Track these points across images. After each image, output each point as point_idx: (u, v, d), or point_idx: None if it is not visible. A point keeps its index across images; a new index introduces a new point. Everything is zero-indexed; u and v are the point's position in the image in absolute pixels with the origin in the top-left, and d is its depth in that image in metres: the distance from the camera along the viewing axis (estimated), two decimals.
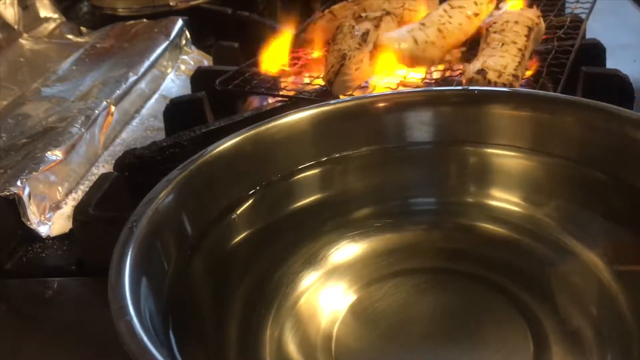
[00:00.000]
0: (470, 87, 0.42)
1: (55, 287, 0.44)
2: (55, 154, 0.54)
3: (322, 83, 0.58)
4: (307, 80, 0.62)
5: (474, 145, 0.41)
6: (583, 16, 0.66)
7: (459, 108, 0.41)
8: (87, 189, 0.51)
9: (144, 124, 0.66)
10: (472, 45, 0.62)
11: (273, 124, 0.39)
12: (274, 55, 0.63)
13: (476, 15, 0.62)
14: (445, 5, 0.63)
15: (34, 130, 0.60)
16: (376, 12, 0.62)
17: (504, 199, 0.40)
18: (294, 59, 0.64)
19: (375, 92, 0.55)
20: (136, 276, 0.28)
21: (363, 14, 0.62)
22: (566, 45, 0.60)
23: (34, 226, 0.49)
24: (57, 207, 0.52)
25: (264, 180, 0.39)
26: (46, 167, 0.52)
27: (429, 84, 0.58)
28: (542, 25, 0.60)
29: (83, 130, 0.58)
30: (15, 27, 0.86)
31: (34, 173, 0.51)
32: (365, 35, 0.57)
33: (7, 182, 0.50)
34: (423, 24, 0.59)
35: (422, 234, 0.41)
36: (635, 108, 0.53)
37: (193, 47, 0.81)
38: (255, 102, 0.64)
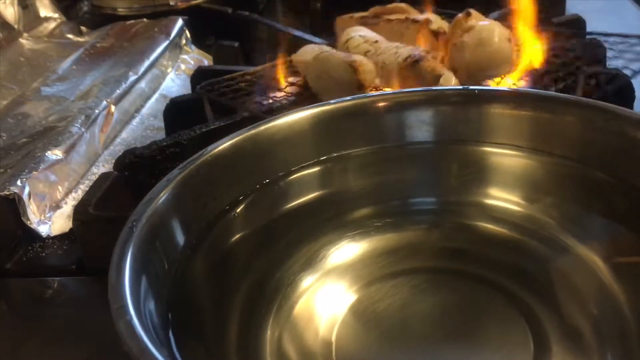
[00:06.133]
0: (471, 87, 0.42)
1: (55, 286, 0.44)
2: (55, 154, 0.54)
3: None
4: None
5: (474, 145, 0.41)
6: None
7: (459, 107, 0.41)
8: (87, 189, 0.51)
9: (144, 124, 0.66)
10: None
11: (272, 123, 0.39)
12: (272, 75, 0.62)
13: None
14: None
15: (34, 129, 0.60)
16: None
17: (504, 199, 0.40)
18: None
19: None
20: (136, 276, 0.28)
21: None
22: (567, 45, 0.60)
23: (34, 226, 0.49)
24: (57, 206, 0.52)
25: (264, 180, 0.39)
26: (46, 167, 0.53)
27: None
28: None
29: (83, 129, 0.58)
30: (16, 26, 0.86)
31: (34, 172, 0.51)
32: None
33: (7, 181, 0.50)
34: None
35: (422, 234, 0.41)
36: (635, 108, 0.53)
37: (193, 47, 0.81)
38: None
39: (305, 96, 0.59)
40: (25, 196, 0.49)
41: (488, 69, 0.54)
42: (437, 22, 0.60)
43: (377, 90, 0.55)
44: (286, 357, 0.34)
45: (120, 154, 0.52)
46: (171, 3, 0.88)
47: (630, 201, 0.36)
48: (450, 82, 0.52)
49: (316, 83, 0.57)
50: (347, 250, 0.40)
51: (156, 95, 0.71)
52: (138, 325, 0.25)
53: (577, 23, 0.68)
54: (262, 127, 0.39)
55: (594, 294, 0.35)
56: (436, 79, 0.52)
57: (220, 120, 0.56)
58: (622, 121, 0.36)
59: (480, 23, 0.54)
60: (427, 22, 0.59)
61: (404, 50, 0.54)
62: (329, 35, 0.71)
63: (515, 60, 0.55)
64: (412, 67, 0.52)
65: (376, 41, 0.58)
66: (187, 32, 0.81)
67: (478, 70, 0.54)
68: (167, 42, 0.77)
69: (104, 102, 0.63)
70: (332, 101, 0.41)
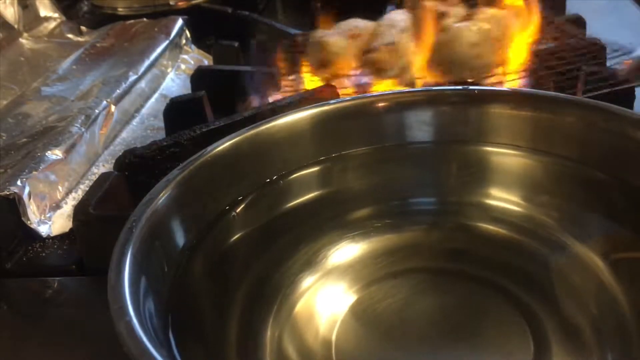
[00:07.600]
0: (470, 87, 0.42)
1: (55, 286, 0.44)
2: (55, 154, 0.54)
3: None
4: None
5: (474, 145, 0.41)
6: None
7: (459, 107, 0.41)
8: (87, 189, 0.51)
9: (144, 124, 0.66)
10: None
11: (273, 123, 0.39)
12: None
13: None
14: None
15: (34, 129, 0.60)
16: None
17: (504, 199, 0.40)
18: None
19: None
20: (136, 276, 0.28)
21: None
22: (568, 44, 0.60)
23: (34, 226, 0.49)
24: (57, 206, 0.52)
25: (264, 180, 0.39)
26: (46, 167, 0.52)
27: None
28: None
29: (83, 129, 0.58)
30: (15, 26, 0.86)
31: (34, 172, 0.51)
32: None
33: (7, 181, 0.50)
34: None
35: (422, 234, 0.41)
36: (635, 108, 0.53)
37: (193, 47, 0.81)
38: (255, 101, 0.64)
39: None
40: (25, 196, 0.49)
41: (454, 70, 0.56)
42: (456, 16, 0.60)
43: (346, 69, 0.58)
44: (286, 357, 0.34)
45: (120, 154, 0.52)
46: (171, 3, 0.88)
47: (630, 201, 0.36)
48: (407, 76, 0.55)
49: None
50: (347, 251, 0.40)
51: (156, 95, 0.71)
52: (138, 326, 0.25)
53: (578, 23, 0.68)
54: (262, 127, 0.39)
55: (593, 293, 0.35)
56: (380, 72, 0.54)
57: (220, 120, 0.55)
58: (622, 121, 0.36)
59: (455, 25, 0.56)
60: (443, 13, 0.59)
61: (380, 39, 0.56)
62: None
63: (494, 61, 0.56)
64: (366, 56, 0.55)
65: (394, 26, 0.59)
66: (187, 32, 0.81)
67: (446, 69, 0.56)
68: (167, 42, 0.77)
69: (104, 102, 0.63)
70: (332, 101, 0.41)
